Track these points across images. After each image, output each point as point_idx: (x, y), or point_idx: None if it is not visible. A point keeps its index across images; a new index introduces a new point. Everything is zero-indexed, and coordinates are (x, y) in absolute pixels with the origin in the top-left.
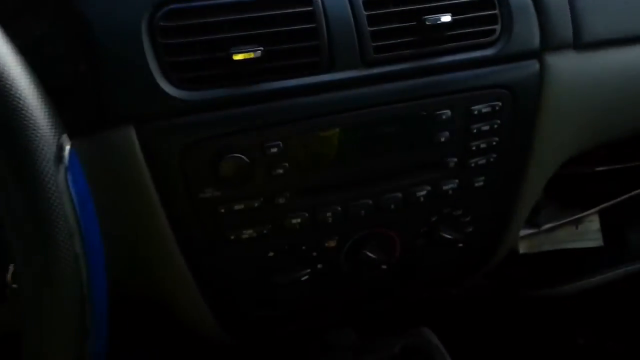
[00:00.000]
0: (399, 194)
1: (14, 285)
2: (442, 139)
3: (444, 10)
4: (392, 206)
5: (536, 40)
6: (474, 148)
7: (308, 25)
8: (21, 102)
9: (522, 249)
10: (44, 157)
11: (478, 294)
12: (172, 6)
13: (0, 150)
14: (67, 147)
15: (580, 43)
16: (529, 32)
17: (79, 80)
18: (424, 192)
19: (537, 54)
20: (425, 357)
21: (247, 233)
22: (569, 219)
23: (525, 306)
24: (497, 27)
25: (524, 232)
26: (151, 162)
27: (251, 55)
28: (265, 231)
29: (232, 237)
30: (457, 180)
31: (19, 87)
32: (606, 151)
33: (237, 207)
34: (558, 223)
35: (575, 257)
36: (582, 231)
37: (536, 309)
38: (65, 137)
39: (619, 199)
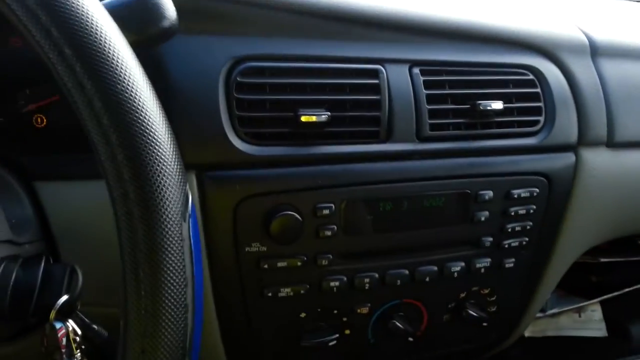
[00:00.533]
0: (435, 267)
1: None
2: (482, 219)
3: (495, 97)
4: (427, 279)
5: (574, 135)
6: (509, 230)
7: (373, 97)
8: (156, 145)
9: (527, 332)
10: (175, 206)
11: None
12: (251, 63)
13: (135, 196)
14: (190, 196)
15: (613, 142)
16: (568, 126)
17: None
18: (458, 268)
19: (573, 148)
20: None
21: (285, 291)
22: (572, 307)
23: None
24: (541, 118)
25: None
26: (205, 210)
27: (316, 118)
28: (302, 291)
29: (269, 294)
30: (489, 260)
31: (155, 129)
32: (609, 245)
33: (280, 264)
34: (562, 310)
35: (578, 346)
36: (585, 320)
37: None
38: (187, 188)
39: (620, 292)
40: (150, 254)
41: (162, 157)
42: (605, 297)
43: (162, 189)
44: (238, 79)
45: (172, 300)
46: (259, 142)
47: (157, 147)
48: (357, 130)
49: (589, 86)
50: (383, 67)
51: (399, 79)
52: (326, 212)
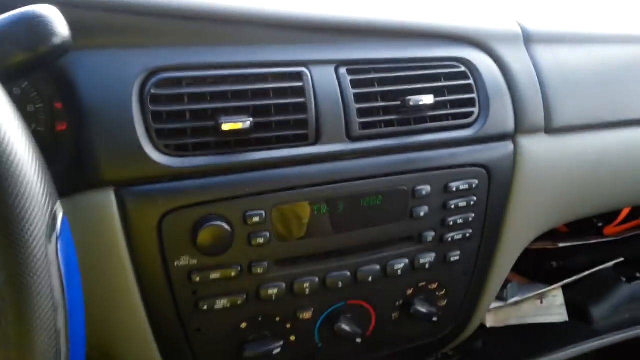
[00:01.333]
0: (377, 267)
1: None
2: (421, 214)
3: (426, 92)
4: (370, 278)
5: (510, 124)
6: (450, 223)
7: (298, 100)
8: (17, 166)
9: (490, 322)
10: (36, 226)
11: None
12: (165, 75)
13: None
14: (60, 215)
15: (551, 128)
16: (504, 116)
17: (62, 139)
18: (401, 265)
19: (511, 136)
20: None
21: (221, 303)
22: (533, 294)
23: None
24: (475, 109)
25: (491, 305)
26: (127, 226)
27: (240, 125)
28: (239, 302)
29: (205, 307)
30: (433, 254)
31: (16, 151)
32: (569, 228)
33: (213, 276)
34: (523, 297)
35: (540, 332)
36: (547, 306)
37: None
38: (59, 205)
39: (581, 275)
40: (9, 278)
41: (20, 178)
42: (566, 281)
43: (19, 211)
44: (152, 91)
45: (39, 326)
46: (183, 154)
47: (14, 169)
48: (284, 134)
49: (524, 74)
50: (307, 69)
51: (324, 80)
52: (256, 219)
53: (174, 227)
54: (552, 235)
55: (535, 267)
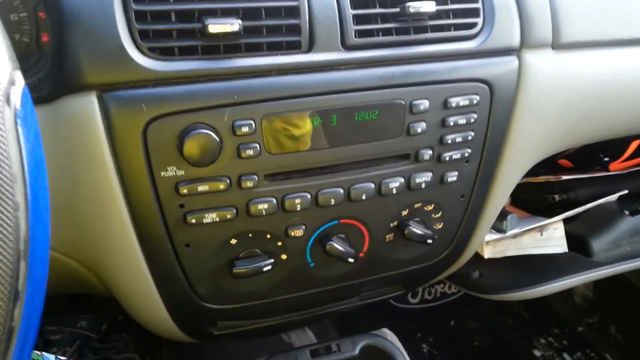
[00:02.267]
0: (371, 184)
1: None
2: (418, 130)
3: None
4: (364, 196)
5: (516, 37)
6: (449, 141)
7: (290, 3)
8: None
9: (487, 253)
10: None
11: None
12: None
13: None
14: (21, 83)
15: (559, 43)
16: (509, 28)
17: (41, 41)
18: (396, 184)
19: (516, 51)
20: (385, 358)
21: (210, 217)
22: (533, 226)
23: (485, 312)
24: (479, 20)
25: (489, 237)
26: (111, 134)
27: (228, 28)
28: (229, 216)
29: (193, 221)
30: (430, 174)
31: None
32: (573, 163)
33: (200, 188)
34: (523, 229)
35: (538, 262)
36: (547, 238)
37: (496, 315)
38: (18, 74)
39: (582, 208)
40: None
41: None
42: (567, 213)
43: None
44: None
45: None
46: (168, 58)
47: None
48: (275, 40)
49: None
50: None
51: None
52: (246, 129)
53: (159, 135)
54: (555, 168)
55: (537, 200)
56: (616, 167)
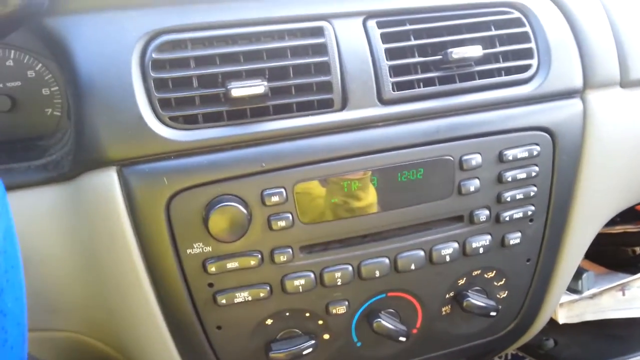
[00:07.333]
0: (421, 252)
1: None
2: (471, 188)
3: (472, 42)
4: (412, 266)
5: (578, 77)
6: (508, 199)
7: (319, 59)
8: None
9: (562, 318)
10: None
11: None
12: (166, 37)
13: None
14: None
15: (628, 80)
16: (569, 68)
17: (59, 117)
18: (450, 250)
19: (579, 93)
20: None
21: (242, 296)
22: (614, 284)
23: None
24: (533, 62)
25: (563, 298)
26: (133, 211)
27: (253, 91)
28: (262, 294)
29: (224, 301)
30: (488, 237)
31: None
32: None
33: (230, 265)
34: (602, 289)
35: (622, 329)
36: (630, 298)
37: None
38: None
39: None
40: None
41: None
42: None
43: None
44: (154, 55)
45: None
46: (191, 127)
47: None
48: (305, 100)
49: (592, 16)
50: (329, 23)
51: (350, 35)
52: (276, 199)
53: (183, 209)
54: (634, 216)
55: (615, 254)
56: None
